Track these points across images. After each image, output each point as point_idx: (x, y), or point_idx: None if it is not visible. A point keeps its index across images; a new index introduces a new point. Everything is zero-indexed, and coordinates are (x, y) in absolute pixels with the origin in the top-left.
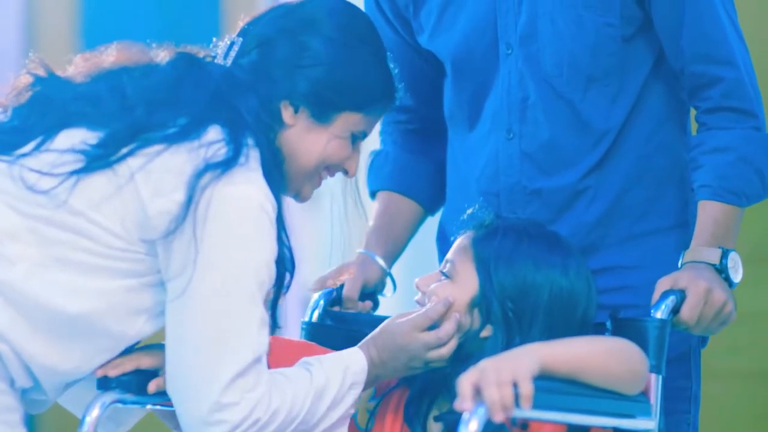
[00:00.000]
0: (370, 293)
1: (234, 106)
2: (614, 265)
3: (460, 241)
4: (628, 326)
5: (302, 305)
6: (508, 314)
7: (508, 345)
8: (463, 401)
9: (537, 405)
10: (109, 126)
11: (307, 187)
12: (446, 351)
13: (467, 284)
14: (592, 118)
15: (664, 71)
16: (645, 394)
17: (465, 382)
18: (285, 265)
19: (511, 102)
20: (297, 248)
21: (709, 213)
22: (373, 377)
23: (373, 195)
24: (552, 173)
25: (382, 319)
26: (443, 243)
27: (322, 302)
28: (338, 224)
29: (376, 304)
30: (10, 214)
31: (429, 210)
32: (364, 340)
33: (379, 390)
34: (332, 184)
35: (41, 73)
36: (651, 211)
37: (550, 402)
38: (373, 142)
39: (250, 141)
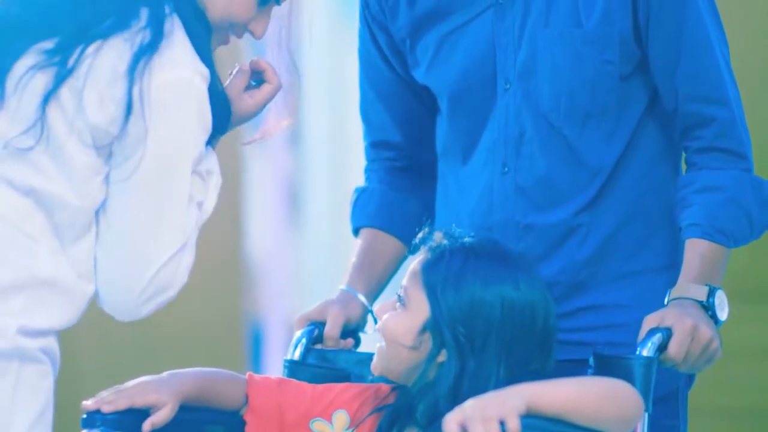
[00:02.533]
0: (352, 331)
1: None
2: (604, 304)
3: (413, 267)
4: (613, 364)
5: (285, 343)
6: (460, 338)
7: (462, 369)
8: None
9: None
10: (62, 29)
11: (212, 42)
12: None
13: (419, 311)
14: (587, 155)
15: (658, 112)
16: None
17: (450, 421)
18: (221, 107)
19: (508, 136)
20: (282, 279)
21: (697, 251)
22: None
23: (356, 232)
24: (545, 209)
25: (364, 356)
26: None
27: (304, 340)
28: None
29: (357, 342)
30: (14, 194)
31: (412, 249)
32: None
33: (353, 421)
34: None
35: None
36: (642, 251)
37: None
38: (357, 178)
39: (168, 8)
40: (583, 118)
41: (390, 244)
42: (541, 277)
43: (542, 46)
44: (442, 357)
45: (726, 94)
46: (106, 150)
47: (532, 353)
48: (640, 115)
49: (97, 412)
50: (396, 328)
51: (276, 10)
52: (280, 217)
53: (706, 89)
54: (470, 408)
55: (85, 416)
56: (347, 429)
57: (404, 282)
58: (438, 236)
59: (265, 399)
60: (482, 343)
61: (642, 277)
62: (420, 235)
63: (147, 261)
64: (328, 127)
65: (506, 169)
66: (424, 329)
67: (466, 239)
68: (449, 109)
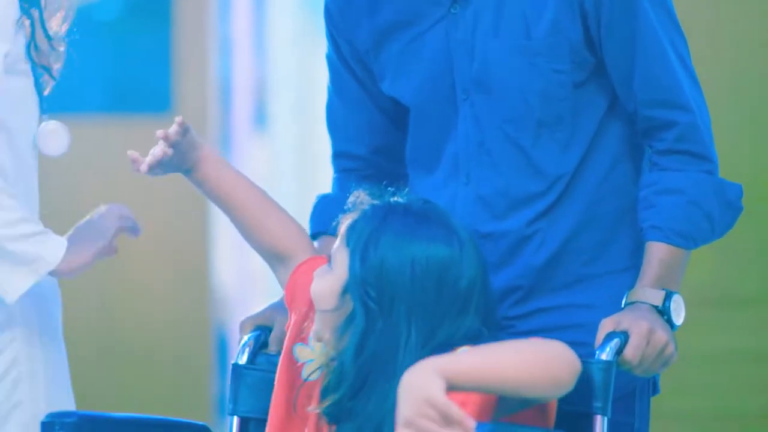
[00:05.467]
0: None
1: None
2: (566, 304)
3: (341, 228)
4: None
5: None
6: (368, 302)
7: (370, 329)
8: None
9: None
10: None
11: None
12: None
13: (341, 272)
14: (544, 163)
15: (620, 113)
16: None
17: None
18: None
19: (468, 147)
20: (249, 284)
21: (655, 254)
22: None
23: (313, 237)
24: (504, 217)
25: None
26: None
27: (252, 344)
28: None
29: None
30: None
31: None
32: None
33: None
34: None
35: None
36: (603, 255)
37: None
38: (325, 182)
39: None
40: (536, 127)
41: None
42: (472, 238)
43: (494, 57)
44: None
45: (684, 97)
46: None
47: (445, 314)
48: (600, 119)
49: (57, 415)
50: (320, 290)
51: None
52: None
53: (664, 95)
54: (405, 420)
55: (44, 421)
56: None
57: (334, 244)
58: (362, 195)
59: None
60: (390, 302)
61: (603, 279)
62: (351, 198)
63: None
64: (295, 131)
65: (468, 179)
66: (344, 291)
67: (394, 199)
68: (413, 120)
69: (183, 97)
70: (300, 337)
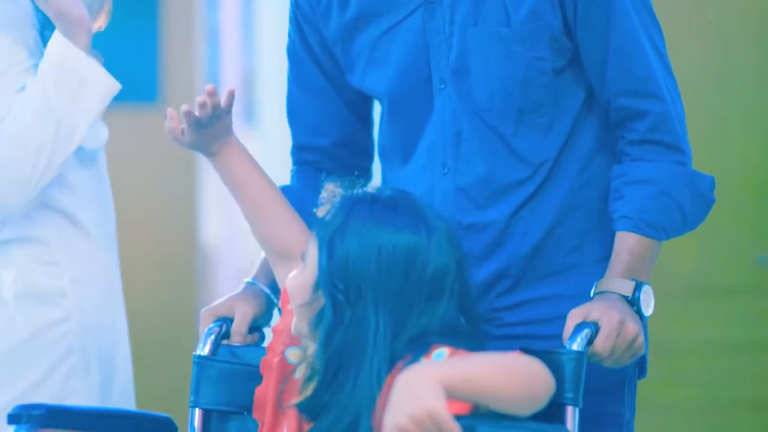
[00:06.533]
0: (257, 326)
1: None
2: (550, 295)
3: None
4: (542, 358)
5: None
6: (336, 295)
7: (335, 322)
8: None
9: None
10: None
11: None
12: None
13: (312, 267)
14: (525, 151)
15: (598, 103)
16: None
17: None
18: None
19: (446, 137)
20: (236, 271)
21: (625, 244)
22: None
23: None
24: (486, 207)
25: None
26: None
27: (213, 336)
28: None
29: (262, 337)
30: None
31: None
32: None
33: None
34: None
35: None
36: (585, 244)
37: None
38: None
39: None
40: (517, 115)
41: None
42: (446, 226)
43: (473, 46)
44: None
45: (658, 87)
46: None
47: (413, 302)
48: (579, 106)
49: (25, 408)
50: (294, 285)
51: None
52: (234, 209)
53: (636, 84)
54: (399, 428)
55: (11, 413)
56: None
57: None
58: (331, 187)
59: None
60: (357, 293)
61: (586, 269)
62: (324, 193)
63: None
64: (283, 122)
65: (446, 170)
66: (317, 285)
67: (362, 189)
68: (388, 111)
69: (170, 87)
70: (293, 341)
